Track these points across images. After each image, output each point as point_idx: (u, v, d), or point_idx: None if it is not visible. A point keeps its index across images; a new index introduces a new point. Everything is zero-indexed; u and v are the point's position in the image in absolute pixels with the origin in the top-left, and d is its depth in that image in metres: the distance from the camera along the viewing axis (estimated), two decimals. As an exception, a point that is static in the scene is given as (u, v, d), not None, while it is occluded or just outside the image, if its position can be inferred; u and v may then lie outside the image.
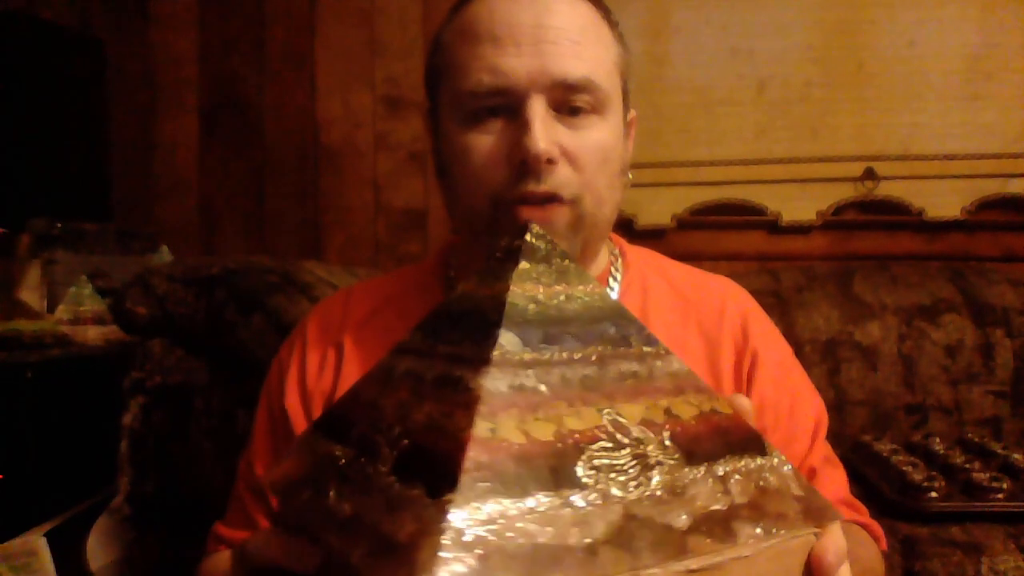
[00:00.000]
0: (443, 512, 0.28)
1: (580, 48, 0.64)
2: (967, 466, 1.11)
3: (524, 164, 0.62)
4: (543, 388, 0.33)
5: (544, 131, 0.62)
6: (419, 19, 1.82)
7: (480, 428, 0.31)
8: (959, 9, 1.64)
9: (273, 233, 1.90)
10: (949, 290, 1.42)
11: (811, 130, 1.69)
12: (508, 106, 0.64)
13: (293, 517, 0.39)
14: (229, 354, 1.15)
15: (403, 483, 0.31)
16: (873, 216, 1.70)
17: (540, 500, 0.30)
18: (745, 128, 1.71)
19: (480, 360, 0.33)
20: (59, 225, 1.57)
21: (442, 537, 0.27)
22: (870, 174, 1.68)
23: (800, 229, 1.71)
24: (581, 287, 0.39)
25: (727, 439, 0.38)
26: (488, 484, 0.29)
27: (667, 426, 0.36)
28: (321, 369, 0.74)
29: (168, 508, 1.15)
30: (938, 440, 1.23)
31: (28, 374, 1.26)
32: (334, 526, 0.33)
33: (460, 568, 0.27)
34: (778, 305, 1.40)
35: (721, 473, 0.36)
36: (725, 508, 0.34)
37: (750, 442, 0.39)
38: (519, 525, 0.29)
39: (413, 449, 0.33)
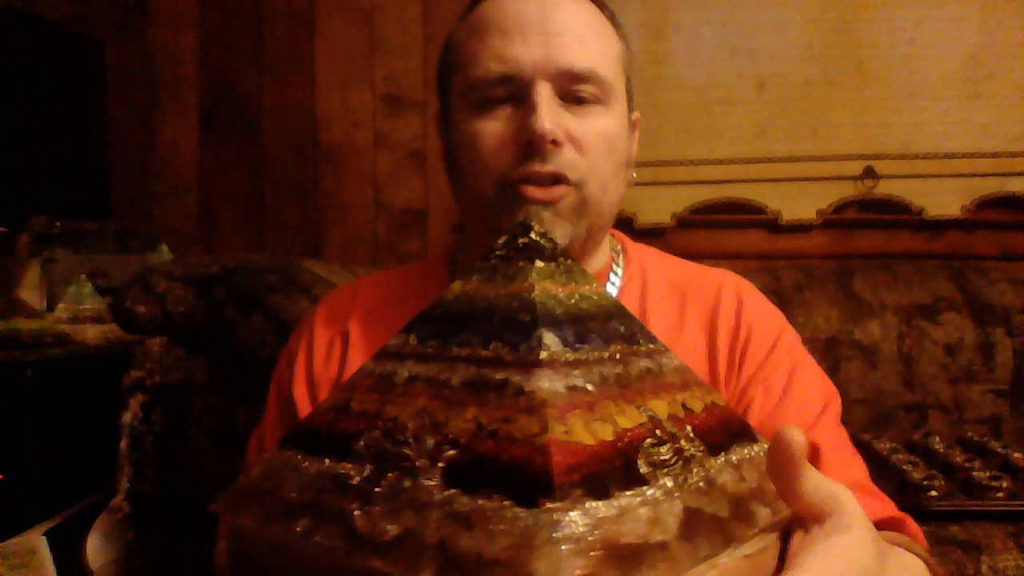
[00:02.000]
0: (550, 521, 0.27)
1: (585, 40, 0.67)
2: (967, 465, 1.11)
3: (530, 144, 0.64)
4: (590, 388, 0.33)
5: (549, 113, 0.64)
6: (419, 18, 1.82)
7: (557, 432, 0.30)
8: (959, 8, 1.64)
9: (272, 232, 1.90)
10: (949, 289, 1.42)
11: (811, 129, 1.69)
12: (516, 94, 0.66)
13: (271, 555, 0.34)
14: (229, 353, 1.15)
15: (471, 496, 0.29)
16: (873, 215, 1.70)
17: (623, 500, 0.30)
18: (745, 127, 1.71)
19: (527, 362, 0.32)
20: (59, 224, 1.57)
21: (562, 546, 0.27)
22: (870, 173, 1.68)
23: (800, 228, 1.71)
24: (587, 286, 0.39)
25: (731, 429, 0.39)
26: (580, 488, 0.29)
27: (687, 420, 0.37)
28: (328, 357, 0.75)
29: (167, 507, 1.15)
30: (938, 439, 1.23)
31: (28, 373, 1.26)
32: (373, 550, 0.30)
33: (583, 572, 0.27)
34: (778, 304, 1.38)
35: (736, 460, 0.37)
36: (745, 494, 0.35)
37: (745, 430, 0.40)
38: (614, 527, 0.29)
39: (469, 459, 0.31)
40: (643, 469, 0.32)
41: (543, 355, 0.32)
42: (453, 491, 0.30)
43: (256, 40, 1.89)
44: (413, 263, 0.87)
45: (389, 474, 0.32)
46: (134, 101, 1.93)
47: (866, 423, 1.36)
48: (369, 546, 0.30)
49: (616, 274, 0.77)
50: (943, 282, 1.43)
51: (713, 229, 1.75)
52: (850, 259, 1.64)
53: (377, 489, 0.32)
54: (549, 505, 0.28)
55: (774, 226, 1.72)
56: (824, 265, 1.53)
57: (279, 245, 1.88)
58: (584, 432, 0.31)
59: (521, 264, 0.37)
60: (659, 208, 1.74)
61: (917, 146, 1.66)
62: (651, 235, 1.72)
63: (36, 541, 1.16)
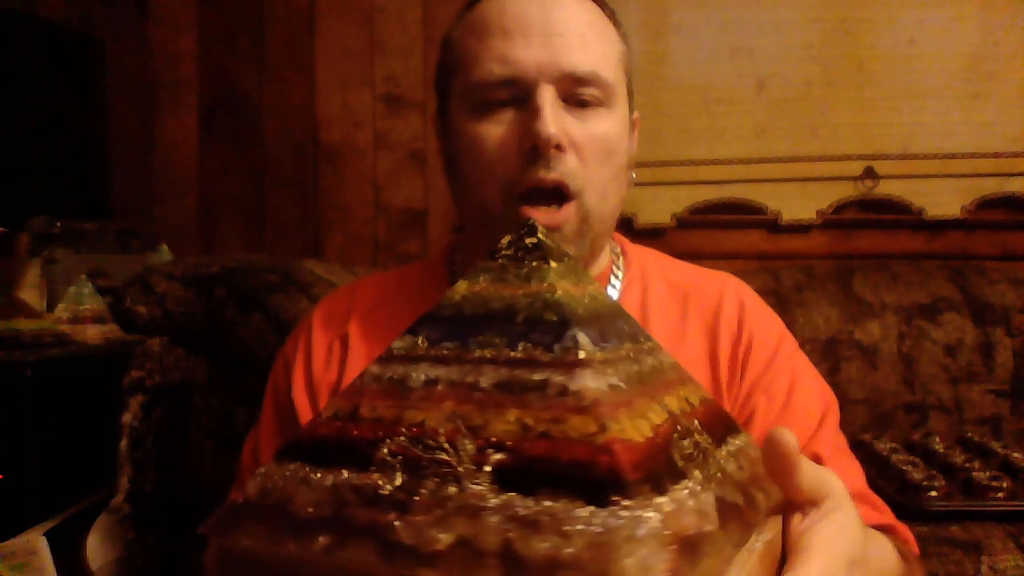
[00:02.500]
0: (631, 519, 0.28)
1: (587, 41, 0.66)
2: (967, 465, 1.11)
3: (534, 149, 0.64)
4: (623, 386, 0.33)
5: (553, 116, 0.63)
6: (419, 18, 1.82)
7: (614, 430, 0.30)
8: (959, 8, 1.64)
9: (272, 232, 1.90)
10: (949, 289, 1.42)
11: (811, 129, 1.69)
12: (518, 96, 0.65)
13: None
14: (229, 353, 1.15)
15: (532, 498, 0.29)
16: (873, 215, 1.70)
17: (675, 494, 0.30)
18: (745, 127, 1.71)
19: (566, 362, 0.32)
20: (59, 224, 1.57)
21: (646, 543, 0.27)
22: (870, 173, 1.68)
23: (800, 228, 1.71)
24: (591, 287, 0.39)
25: (723, 421, 0.41)
26: (645, 485, 0.29)
27: (693, 414, 0.38)
28: (327, 361, 0.75)
29: (167, 507, 1.15)
30: (938, 439, 1.23)
31: (28, 373, 1.26)
32: (420, 562, 0.29)
33: (668, 567, 0.27)
34: (778, 304, 1.40)
35: (734, 451, 0.38)
36: (747, 481, 0.37)
37: (732, 422, 0.42)
38: (678, 520, 0.29)
39: (521, 461, 0.30)
40: (680, 463, 0.33)
41: (581, 355, 0.32)
42: (510, 495, 0.29)
43: (256, 40, 1.89)
44: (410, 264, 0.87)
45: (427, 481, 0.31)
46: (134, 101, 1.93)
47: (866, 423, 1.36)
48: (416, 557, 0.29)
49: (617, 277, 0.77)
50: (943, 282, 1.43)
51: (713, 229, 1.75)
52: (850, 259, 1.64)
53: (416, 498, 0.31)
54: (625, 503, 0.28)
55: (774, 226, 1.72)
56: (824, 265, 1.53)
57: (279, 245, 1.88)
58: (633, 430, 0.31)
59: (535, 264, 0.37)
60: (659, 208, 1.74)
61: (917, 146, 1.66)
62: (651, 235, 1.72)
63: (36, 541, 1.16)
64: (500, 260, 0.38)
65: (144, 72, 1.93)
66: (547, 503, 0.29)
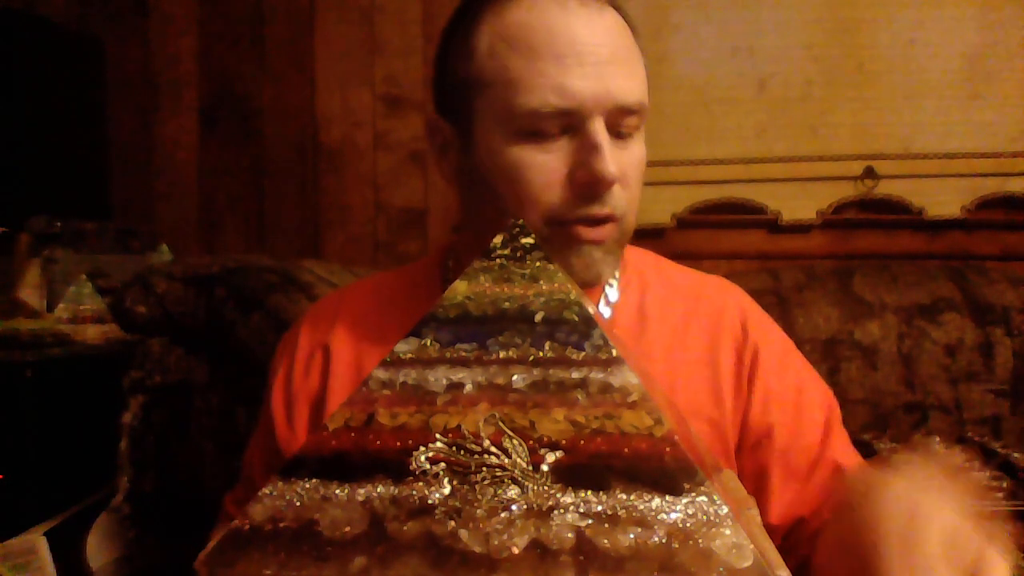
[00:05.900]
0: (710, 502, 0.29)
1: (632, 69, 0.67)
2: (967, 465, 1.11)
3: (590, 187, 0.63)
4: (641, 381, 0.34)
5: (612, 155, 0.63)
6: (419, 18, 1.82)
7: (668, 423, 0.31)
8: (959, 8, 1.63)
9: (272, 232, 1.90)
10: (949, 289, 1.42)
11: (811, 129, 1.69)
12: (568, 126, 0.64)
13: None
14: (229, 353, 1.15)
15: (605, 492, 0.29)
16: (873, 215, 1.70)
17: (714, 479, 0.32)
18: (745, 127, 1.71)
19: (603, 360, 0.33)
20: (59, 224, 1.57)
21: (728, 521, 0.29)
22: (870, 173, 1.67)
23: (800, 228, 1.71)
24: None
25: None
26: (704, 471, 0.31)
27: None
28: (307, 370, 0.73)
29: (167, 507, 1.15)
30: (938, 439, 1.23)
31: (28, 373, 1.26)
32: (494, 568, 0.29)
33: (750, 543, 0.28)
34: (778, 304, 1.40)
35: None
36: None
37: None
38: (726, 496, 0.31)
39: (580, 459, 0.30)
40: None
41: (614, 352, 0.33)
42: (581, 491, 0.30)
43: (256, 40, 1.89)
44: (400, 268, 0.85)
45: (479, 487, 0.31)
46: (134, 101, 1.93)
47: (866, 423, 1.36)
48: (486, 564, 0.29)
49: (615, 277, 0.77)
50: (943, 282, 1.43)
51: (713, 229, 1.74)
52: (850, 259, 1.64)
53: (474, 504, 0.30)
54: (698, 490, 0.29)
55: (774, 226, 1.72)
56: (824, 265, 1.53)
57: (279, 245, 1.88)
58: (671, 421, 0.32)
59: (539, 264, 0.37)
60: (659, 208, 1.74)
61: (917, 146, 1.66)
62: (651, 235, 1.72)
63: (36, 541, 1.16)
64: (497, 260, 0.38)
65: (144, 72, 1.93)
66: (621, 496, 0.29)
